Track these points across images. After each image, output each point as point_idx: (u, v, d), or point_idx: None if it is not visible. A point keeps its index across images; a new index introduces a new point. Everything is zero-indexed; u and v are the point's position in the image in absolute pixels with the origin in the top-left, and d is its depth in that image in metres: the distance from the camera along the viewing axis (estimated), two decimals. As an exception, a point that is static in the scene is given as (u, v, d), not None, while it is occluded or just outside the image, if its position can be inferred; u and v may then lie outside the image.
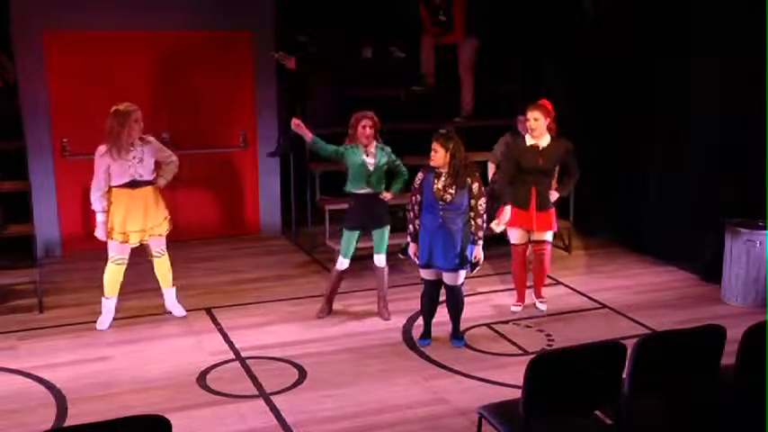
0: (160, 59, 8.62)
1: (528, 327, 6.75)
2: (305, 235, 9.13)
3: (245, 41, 8.84)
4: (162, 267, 6.74)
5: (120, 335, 6.51)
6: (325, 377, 5.77)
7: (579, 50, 9.12)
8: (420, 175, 6.17)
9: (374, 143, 6.60)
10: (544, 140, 6.72)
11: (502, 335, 6.57)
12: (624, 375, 4.12)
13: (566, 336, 6.50)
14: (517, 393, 4.05)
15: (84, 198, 8.49)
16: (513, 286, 7.20)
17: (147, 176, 6.47)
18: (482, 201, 6.07)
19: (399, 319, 6.81)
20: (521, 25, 9.58)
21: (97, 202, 6.41)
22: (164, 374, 5.81)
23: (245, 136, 9.09)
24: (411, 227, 6.25)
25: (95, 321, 6.65)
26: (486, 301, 7.26)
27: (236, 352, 6.20)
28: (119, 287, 6.62)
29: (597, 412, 4.27)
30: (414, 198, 6.18)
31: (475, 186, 6.04)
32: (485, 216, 6.11)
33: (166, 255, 6.74)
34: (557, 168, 6.98)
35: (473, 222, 6.07)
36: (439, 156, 6.00)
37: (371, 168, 6.57)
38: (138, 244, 6.57)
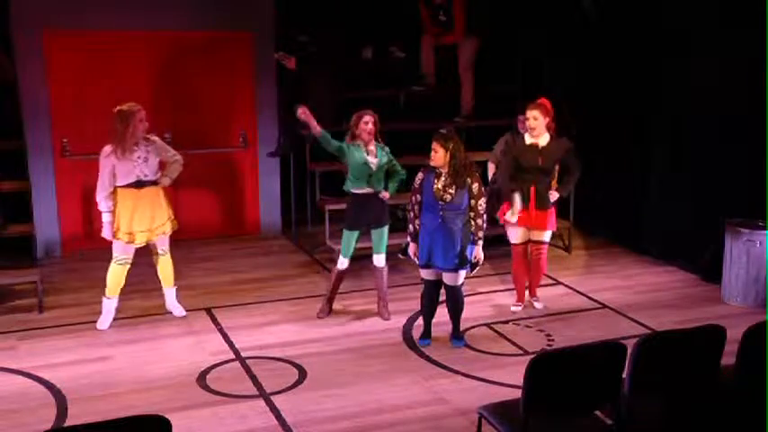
0: (160, 59, 8.63)
1: (528, 327, 6.75)
2: (305, 235, 9.14)
3: (245, 42, 8.84)
4: (165, 266, 6.75)
5: (121, 335, 6.51)
6: (326, 377, 5.77)
7: (579, 50, 9.13)
8: (420, 175, 6.17)
9: (374, 142, 6.61)
10: (543, 139, 6.73)
11: (502, 335, 6.57)
12: (624, 375, 4.12)
13: (566, 336, 6.50)
14: (517, 393, 4.05)
15: (84, 198, 8.52)
16: (513, 286, 7.20)
17: (152, 176, 6.48)
18: (482, 201, 6.07)
19: (399, 319, 6.81)
20: (521, 25, 9.59)
21: (103, 203, 6.41)
22: (164, 374, 5.81)
23: (245, 136, 9.09)
24: (411, 227, 6.25)
25: (95, 321, 6.65)
26: (486, 301, 7.26)
27: (237, 352, 6.20)
28: (120, 288, 6.62)
29: (597, 412, 4.27)
30: (414, 198, 6.19)
31: (475, 186, 6.04)
32: (485, 216, 6.11)
33: (169, 254, 6.75)
34: (556, 168, 6.98)
35: (473, 222, 6.07)
36: (439, 156, 6.00)
37: (374, 168, 6.57)
38: (144, 244, 6.58)
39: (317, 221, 8.98)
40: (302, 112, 6.59)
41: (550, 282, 7.74)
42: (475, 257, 6.14)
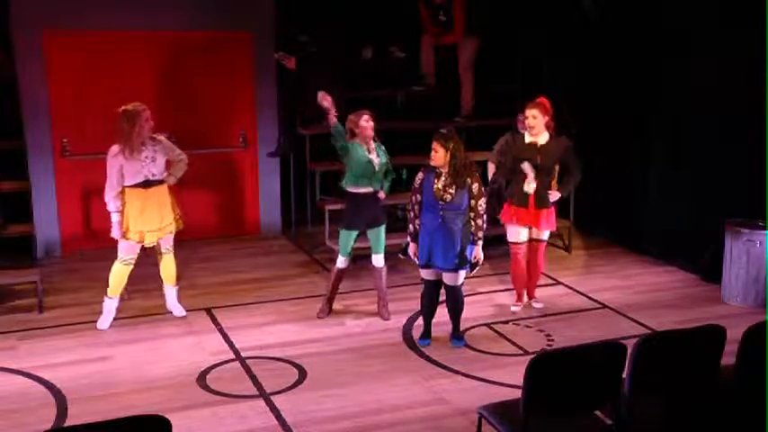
0: (160, 59, 8.63)
1: (528, 327, 6.75)
2: (305, 235, 9.14)
3: (245, 42, 8.83)
4: (168, 265, 6.76)
5: (121, 335, 6.51)
6: (326, 377, 5.77)
7: (579, 50, 9.13)
8: (420, 175, 6.17)
9: (372, 141, 6.62)
10: (542, 138, 6.74)
11: (502, 335, 6.57)
12: (624, 375, 4.12)
13: (566, 336, 6.50)
14: (517, 393, 4.05)
15: (84, 198, 8.52)
16: (513, 286, 7.20)
17: (160, 175, 6.51)
18: (482, 201, 6.07)
19: (399, 319, 6.81)
20: (521, 25, 9.59)
21: (111, 203, 6.42)
22: (164, 374, 5.81)
23: (245, 136, 9.09)
24: (411, 227, 6.25)
25: (95, 321, 6.65)
26: (486, 301, 7.26)
27: (237, 352, 6.20)
28: (122, 288, 6.62)
29: (597, 412, 4.27)
30: (414, 198, 6.19)
31: (475, 186, 6.04)
32: (485, 216, 6.12)
33: (173, 253, 6.75)
34: (556, 168, 6.98)
35: (473, 223, 6.07)
36: (439, 155, 6.00)
37: (377, 167, 6.58)
38: (155, 242, 6.59)
39: (316, 221, 8.98)
40: (323, 97, 6.54)
41: (550, 282, 7.74)
42: (475, 257, 6.14)
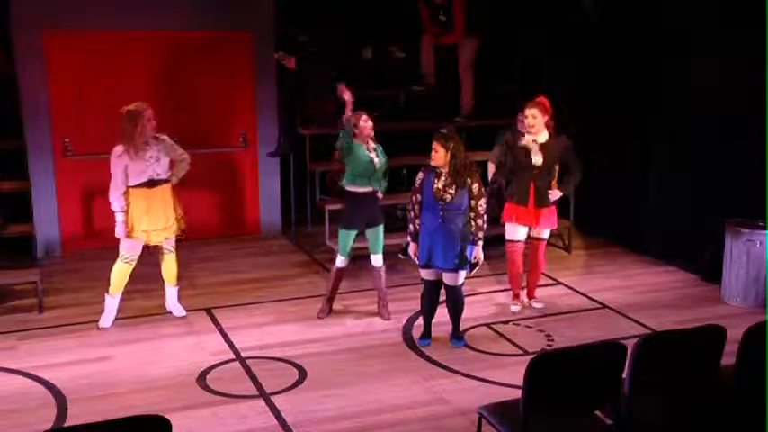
0: (160, 59, 8.62)
1: (528, 327, 6.75)
2: (305, 235, 9.14)
3: (245, 42, 8.83)
4: (170, 265, 6.76)
5: (121, 335, 6.51)
6: (326, 377, 5.77)
7: (579, 50, 9.13)
8: (420, 175, 6.17)
9: (371, 141, 6.63)
10: (542, 137, 6.75)
11: (502, 335, 6.57)
12: (624, 375, 4.12)
13: (566, 336, 6.50)
14: (517, 393, 4.05)
15: (84, 198, 8.52)
16: (510, 286, 7.19)
17: (164, 175, 6.53)
18: (482, 201, 6.08)
19: (399, 319, 6.81)
20: (521, 25, 9.59)
21: (116, 202, 6.43)
22: (164, 374, 5.81)
23: (245, 136, 9.09)
24: (411, 227, 6.25)
25: (95, 321, 6.66)
26: (486, 301, 7.26)
27: (236, 352, 6.20)
28: (123, 286, 6.63)
29: (597, 412, 4.27)
30: (414, 198, 6.19)
31: (475, 187, 6.04)
32: (485, 217, 6.12)
33: (175, 252, 6.76)
34: (556, 168, 6.98)
35: (473, 223, 6.07)
36: (439, 155, 6.00)
37: (377, 166, 6.59)
38: (163, 241, 6.61)
39: (316, 221, 8.98)
40: (343, 91, 6.52)
41: (550, 282, 7.74)
42: (475, 258, 6.14)
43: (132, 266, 6.59)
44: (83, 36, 8.24)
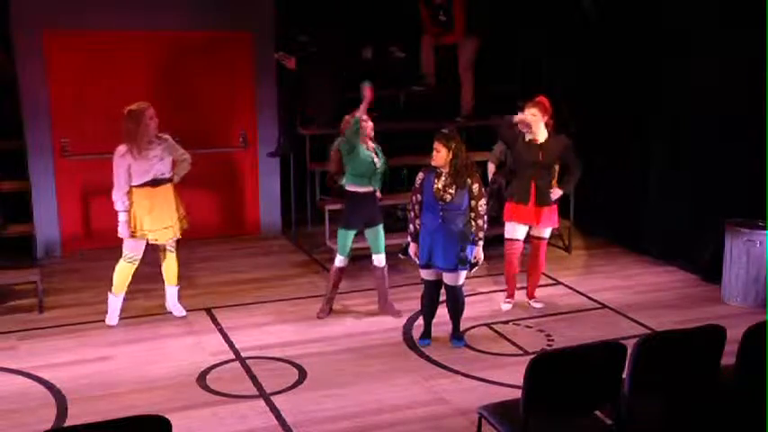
0: (160, 59, 8.62)
1: (528, 327, 6.75)
2: (305, 235, 9.14)
3: (245, 42, 8.83)
4: (171, 264, 6.77)
5: (121, 335, 6.51)
6: (326, 377, 5.77)
7: (579, 50, 9.13)
8: (420, 175, 6.16)
9: (371, 141, 6.64)
10: (542, 136, 6.76)
11: (502, 335, 6.57)
12: (624, 375, 4.12)
13: (566, 336, 6.50)
14: (517, 393, 4.05)
15: (83, 198, 8.52)
16: (505, 284, 7.19)
17: (168, 174, 6.55)
18: (482, 202, 6.08)
19: (399, 318, 6.81)
20: (521, 25, 9.59)
21: (120, 202, 6.44)
22: (164, 374, 5.81)
23: (245, 136, 9.09)
24: (411, 227, 6.25)
25: (95, 321, 6.66)
26: (486, 301, 7.25)
27: (236, 352, 6.20)
28: (127, 285, 6.63)
29: (597, 412, 4.27)
30: (414, 198, 6.18)
31: (475, 187, 6.04)
32: (485, 217, 6.12)
33: (176, 252, 6.76)
34: (556, 167, 6.99)
35: (474, 223, 6.07)
36: (441, 155, 6.00)
37: (378, 166, 6.59)
38: (173, 238, 6.62)
39: (316, 221, 8.99)
40: (368, 89, 6.49)
41: (550, 282, 7.74)
42: (475, 257, 6.14)
43: (135, 266, 6.60)
44: (83, 36, 8.24)
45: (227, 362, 6.03)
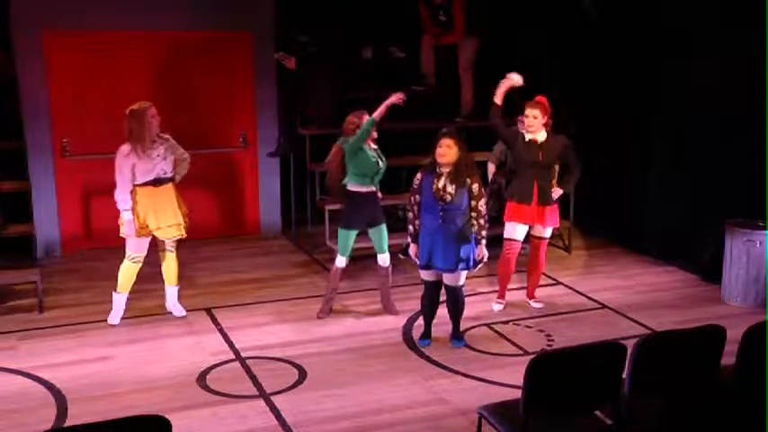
0: (160, 59, 8.63)
1: (528, 327, 6.75)
2: (305, 235, 9.14)
3: (245, 42, 8.83)
4: (171, 264, 6.78)
5: (121, 335, 6.51)
6: (326, 377, 5.77)
7: (579, 50, 9.13)
8: (419, 176, 6.15)
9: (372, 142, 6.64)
10: (541, 136, 6.77)
11: (502, 335, 6.57)
12: (624, 375, 4.12)
13: (566, 336, 6.50)
14: (517, 393, 4.05)
15: (84, 198, 8.52)
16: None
17: (170, 173, 6.57)
18: (482, 201, 6.08)
19: (399, 319, 6.81)
20: (521, 25, 9.59)
21: (123, 202, 6.45)
22: (164, 375, 5.81)
23: (245, 136, 9.09)
24: (411, 227, 6.24)
25: (95, 321, 6.67)
26: (487, 301, 7.25)
27: (237, 352, 6.20)
28: (131, 284, 6.64)
29: (597, 412, 4.27)
30: (413, 198, 6.18)
31: (475, 187, 6.04)
32: (486, 216, 6.12)
33: (176, 252, 6.77)
34: (557, 166, 6.99)
35: (475, 223, 6.07)
36: (453, 152, 5.97)
37: (381, 166, 6.59)
38: (179, 237, 6.63)
39: (316, 221, 8.99)
40: (398, 95, 6.49)
41: (550, 282, 7.74)
42: (479, 255, 6.14)
43: (139, 266, 6.62)
44: (83, 36, 8.24)
45: (227, 362, 6.03)
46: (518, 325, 6.77)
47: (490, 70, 9.46)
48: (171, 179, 6.59)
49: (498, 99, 6.88)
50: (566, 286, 7.70)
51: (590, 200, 8.82)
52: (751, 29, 7.06)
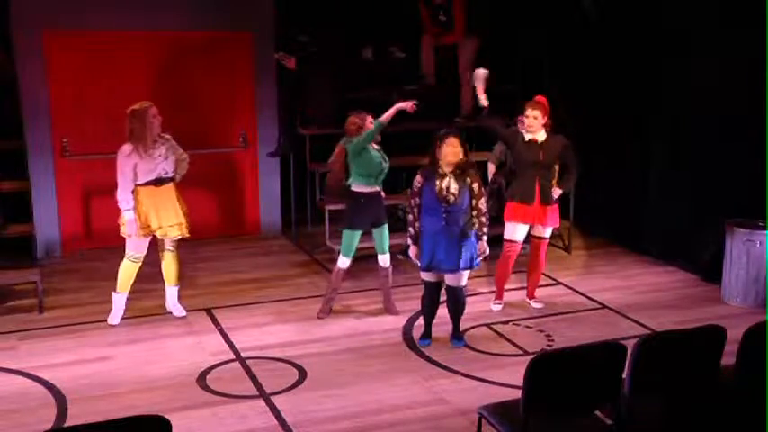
0: (160, 59, 8.62)
1: (528, 327, 6.75)
2: (305, 235, 9.14)
3: (245, 42, 8.83)
4: (172, 263, 6.78)
5: (121, 335, 6.51)
6: (326, 377, 5.77)
7: (579, 50, 9.13)
8: (419, 179, 6.11)
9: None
10: (541, 136, 6.78)
11: (502, 335, 6.57)
12: (624, 375, 4.12)
13: (566, 336, 6.50)
14: (517, 393, 4.05)
15: (84, 198, 8.52)
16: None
17: (171, 173, 6.58)
18: (483, 200, 6.11)
19: (399, 318, 6.81)
20: (521, 25, 9.59)
21: (125, 201, 6.45)
22: (164, 375, 5.81)
23: (245, 136, 9.09)
24: (411, 230, 6.22)
25: (95, 321, 6.67)
26: (487, 301, 7.24)
27: (237, 352, 6.20)
28: (131, 284, 6.64)
29: (597, 412, 4.27)
30: (413, 201, 6.16)
31: (475, 186, 6.05)
32: (487, 214, 6.14)
33: (176, 251, 6.77)
34: (557, 166, 6.99)
35: (476, 221, 6.09)
36: (459, 152, 5.99)
37: (385, 166, 6.60)
38: (186, 235, 6.65)
39: (316, 221, 8.98)
40: (410, 104, 6.50)
41: (550, 282, 7.74)
42: (480, 249, 6.15)
43: (139, 265, 6.62)
44: (83, 36, 8.24)
45: (227, 362, 6.03)
46: (518, 325, 6.77)
47: (490, 70, 9.49)
48: (172, 179, 6.60)
49: (484, 101, 6.85)
50: (566, 286, 7.70)
51: (590, 200, 8.82)
52: (751, 29, 7.06)
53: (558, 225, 7.13)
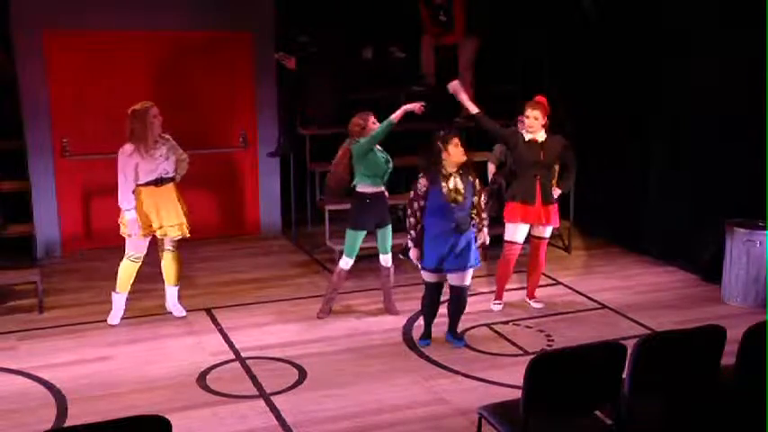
0: (160, 59, 8.62)
1: (528, 327, 6.75)
2: (305, 235, 9.14)
3: (245, 42, 8.83)
4: (172, 263, 6.78)
5: (121, 335, 6.51)
6: (326, 377, 5.77)
7: (579, 50, 9.13)
8: (424, 182, 6.07)
9: None
10: (541, 136, 6.78)
11: (502, 335, 6.57)
12: (624, 375, 4.12)
13: (566, 336, 6.50)
14: (517, 393, 4.05)
15: (84, 198, 8.52)
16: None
17: (171, 173, 6.59)
18: (483, 196, 6.19)
19: (399, 318, 6.81)
20: (521, 25, 9.59)
21: (126, 201, 6.45)
22: (164, 375, 5.81)
23: (245, 136, 9.09)
24: (413, 232, 6.20)
25: (95, 321, 6.67)
26: (487, 301, 7.24)
27: (237, 352, 6.20)
28: (131, 283, 6.64)
29: (597, 412, 4.27)
30: (416, 204, 6.11)
31: (477, 182, 6.13)
32: (486, 211, 6.21)
33: (177, 251, 6.77)
34: (557, 166, 7.00)
35: (477, 217, 6.14)
36: (462, 150, 6.02)
37: (389, 166, 6.60)
38: (186, 235, 6.66)
39: (316, 221, 8.98)
40: (418, 106, 6.51)
41: (550, 282, 7.74)
42: (480, 239, 6.20)
43: (138, 265, 6.63)
44: (83, 36, 8.24)
45: (227, 362, 6.03)
46: (518, 325, 6.77)
47: (490, 70, 9.51)
48: (172, 179, 6.60)
49: (473, 109, 6.85)
50: (566, 286, 7.70)
51: (590, 200, 8.82)
52: (751, 29, 7.06)
53: (557, 225, 7.13)
